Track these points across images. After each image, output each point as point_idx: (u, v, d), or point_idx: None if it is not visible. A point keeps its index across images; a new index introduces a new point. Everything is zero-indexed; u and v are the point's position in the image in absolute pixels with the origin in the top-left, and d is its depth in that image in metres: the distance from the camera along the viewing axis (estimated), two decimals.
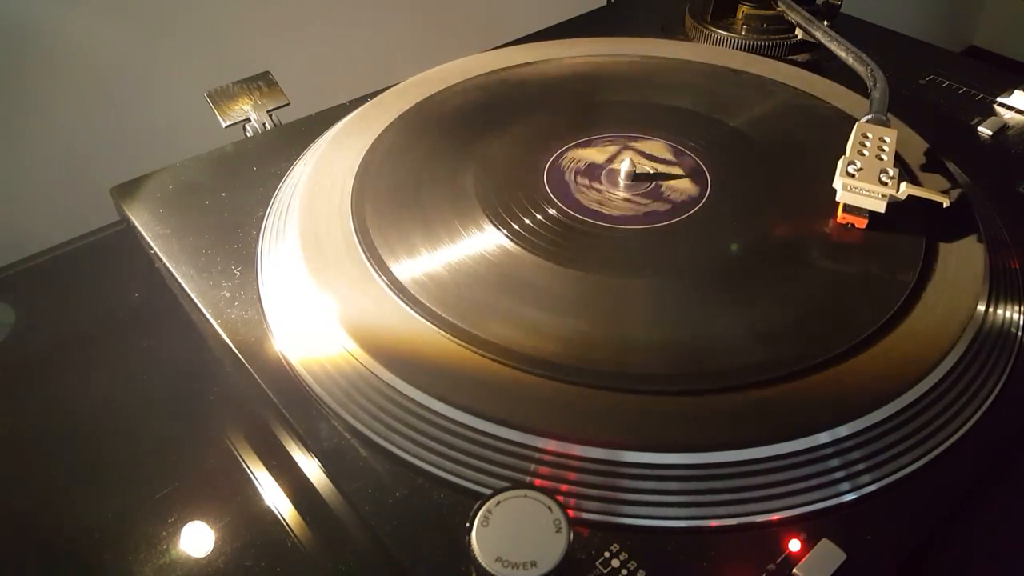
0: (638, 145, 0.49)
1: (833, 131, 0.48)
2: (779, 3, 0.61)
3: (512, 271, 0.39)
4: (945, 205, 0.41)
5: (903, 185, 0.41)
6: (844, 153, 0.43)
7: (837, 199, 0.42)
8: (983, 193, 0.47)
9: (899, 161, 0.47)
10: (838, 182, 0.42)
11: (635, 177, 0.45)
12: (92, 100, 0.64)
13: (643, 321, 0.37)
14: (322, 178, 0.46)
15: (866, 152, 0.43)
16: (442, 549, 0.30)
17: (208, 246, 0.44)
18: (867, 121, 0.45)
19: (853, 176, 0.41)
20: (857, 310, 0.37)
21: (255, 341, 0.38)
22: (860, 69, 0.51)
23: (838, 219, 0.42)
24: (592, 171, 0.46)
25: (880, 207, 0.41)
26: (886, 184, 0.41)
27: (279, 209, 0.45)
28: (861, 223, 0.42)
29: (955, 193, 0.45)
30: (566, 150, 0.48)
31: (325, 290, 0.38)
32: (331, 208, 0.43)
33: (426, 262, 0.40)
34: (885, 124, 0.45)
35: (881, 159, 0.42)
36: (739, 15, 0.64)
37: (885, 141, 0.44)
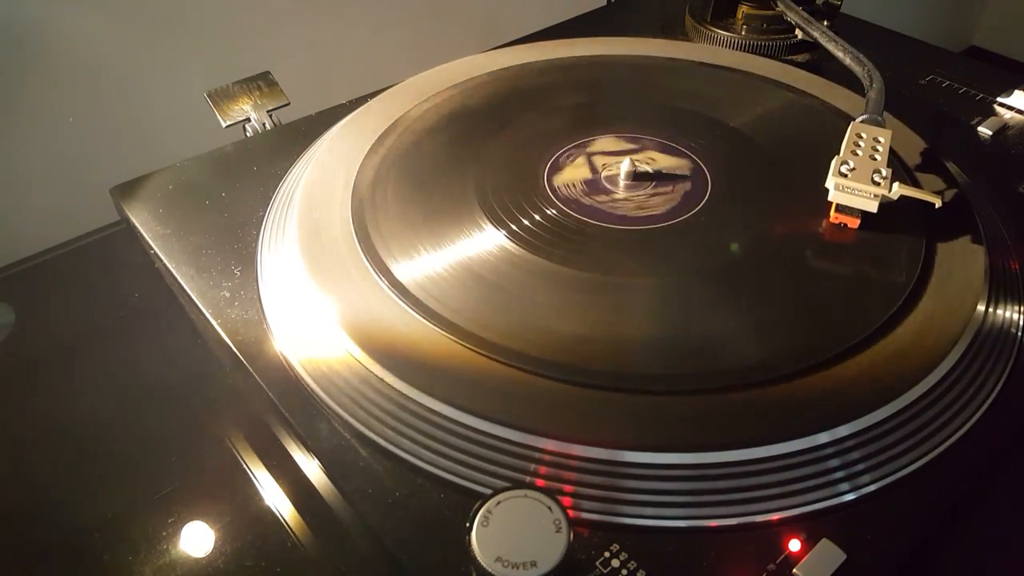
0: (638, 145, 0.49)
1: (832, 132, 0.48)
2: (779, 3, 0.61)
3: (512, 271, 0.39)
4: (937, 205, 0.41)
5: (895, 185, 0.41)
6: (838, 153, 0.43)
7: (829, 198, 0.42)
8: (983, 193, 0.47)
9: (898, 161, 0.47)
10: (830, 182, 0.42)
11: (635, 177, 0.46)
12: (92, 100, 0.64)
13: (643, 321, 0.37)
14: (322, 178, 0.46)
15: (860, 152, 0.43)
16: (442, 549, 0.30)
17: (208, 246, 0.44)
18: (862, 121, 0.45)
19: (845, 176, 0.41)
20: (857, 310, 0.37)
21: (255, 341, 0.38)
22: (857, 69, 0.51)
23: (831, 219, 0.42)
24: (592, 171, 0.46)
25: (872, 207, 0.41)
26: (878, 184, 0.41)
27: (279, 209, 0.45)
28: (854, 223, 0.42)
29: (948, 193, 0.45)
30: (566, 150, 0.48)
31: (325, 290, 0.38)
32: (331, 208, 0.43)
33: (426, 262, 0.40)
34: (880, 124, 0.45)
35: (874, 159, 0.42)
36: (739, 15, 0.64)
37: (879, 141, 0.43)
